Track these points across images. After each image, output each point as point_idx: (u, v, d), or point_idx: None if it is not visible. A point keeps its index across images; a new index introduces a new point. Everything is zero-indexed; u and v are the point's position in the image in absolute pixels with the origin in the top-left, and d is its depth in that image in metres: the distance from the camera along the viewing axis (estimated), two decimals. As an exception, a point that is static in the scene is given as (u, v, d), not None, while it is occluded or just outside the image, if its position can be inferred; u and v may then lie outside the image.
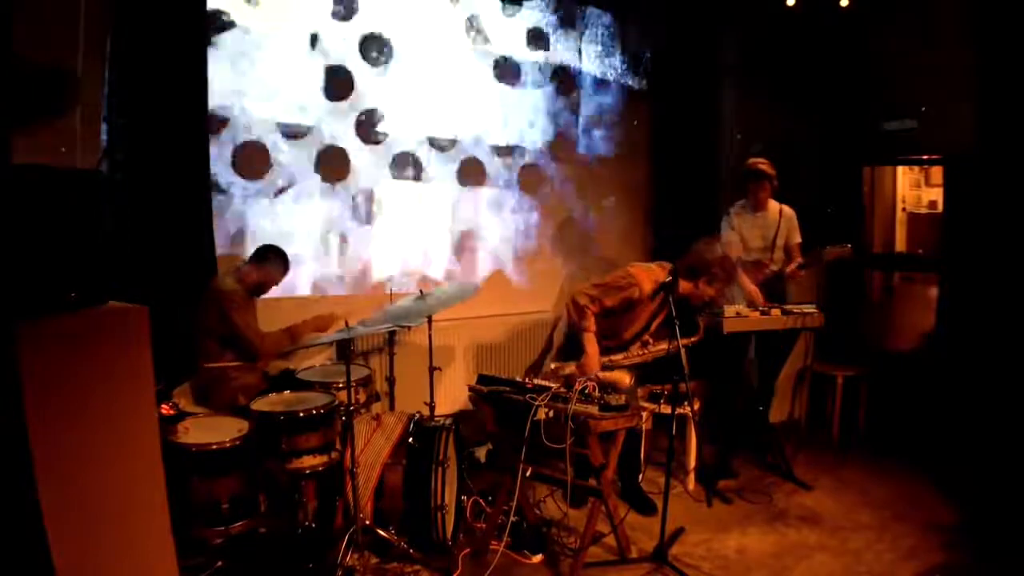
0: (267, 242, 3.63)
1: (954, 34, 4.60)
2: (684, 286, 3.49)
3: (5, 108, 2.92)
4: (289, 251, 3.63)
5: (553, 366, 3.56)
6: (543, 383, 3.13)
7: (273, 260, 3.55)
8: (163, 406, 2.78)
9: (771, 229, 4.24)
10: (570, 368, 3.44)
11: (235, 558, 2.86)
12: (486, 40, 4.76)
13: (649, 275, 3.45)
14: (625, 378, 3.44)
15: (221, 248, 3.86)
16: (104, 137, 3.38)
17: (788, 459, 4.18)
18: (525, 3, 4.87)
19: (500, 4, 4.77)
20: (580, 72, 5.17)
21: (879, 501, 3.82)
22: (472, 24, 4.70)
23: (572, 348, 3.65)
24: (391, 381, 3.85)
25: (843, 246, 3.99)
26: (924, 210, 5.63)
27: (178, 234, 3.57)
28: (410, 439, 3.26)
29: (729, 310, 3.83)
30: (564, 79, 5.10)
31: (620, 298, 3.45)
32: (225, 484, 2.80)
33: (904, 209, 5.70)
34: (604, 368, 3.38)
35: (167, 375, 3.01)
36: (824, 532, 3.49)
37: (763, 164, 4.18)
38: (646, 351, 3.56)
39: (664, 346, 3.51)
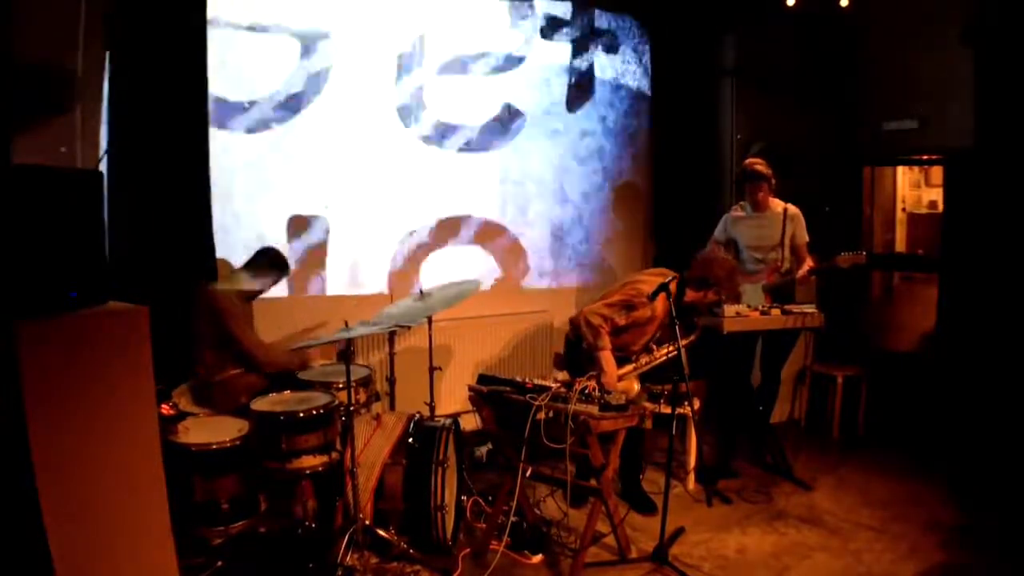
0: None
1: (954, 34, 4.60)
2: (692, 295, 3.58)
3: (5, 108, 2.92)
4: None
5: (559, 378, 3.55)
6: (543, 383, 3.13)
7: (271, 264, 3.43)
8: (163, 406, 2.77)
9: (775, 229, 4.17)
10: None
11: (235, 558, 2.85)
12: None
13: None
14: (634, 385, 3.47)
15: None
16: (104, 136, 3.38)
17: (788, 459, 4.18)
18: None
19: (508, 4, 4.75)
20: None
21: (879, 501, 3.82)
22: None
23: (574, 359, 3.65)
24: (391, 381, 3.84)
25: (859, 253, 3.99)
26: (924, 210, 5.64)
27: (178, 233, 3.56)
28: (410, 439, 3.25)
29: (729, 310, 3.82)
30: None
31: (633, 316, 3.49)
32: (225, 484, 2.80)
33: (904, 209, 5.71)
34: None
35: (167, 375, 3.00)
36: (824, 532, 3.49)
37: (759, 164, 4.13)
38: (651, 357, 3.59)
39: (666, 350, 3.56)
